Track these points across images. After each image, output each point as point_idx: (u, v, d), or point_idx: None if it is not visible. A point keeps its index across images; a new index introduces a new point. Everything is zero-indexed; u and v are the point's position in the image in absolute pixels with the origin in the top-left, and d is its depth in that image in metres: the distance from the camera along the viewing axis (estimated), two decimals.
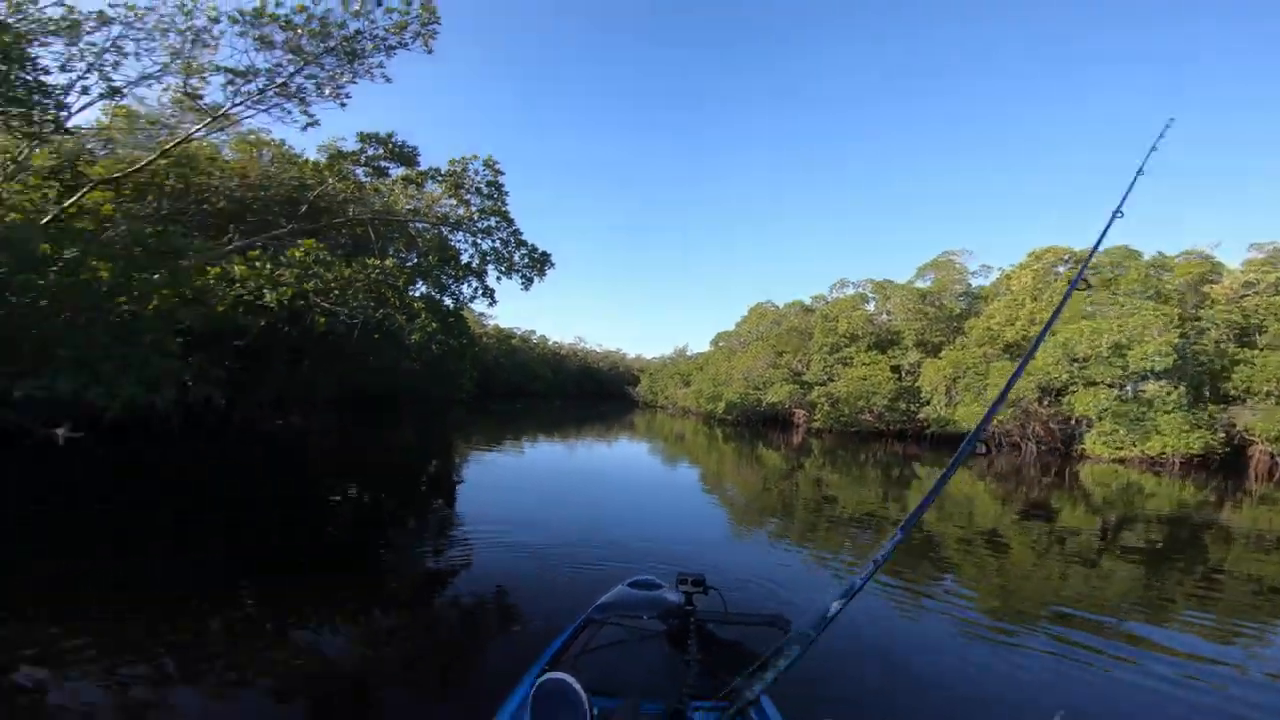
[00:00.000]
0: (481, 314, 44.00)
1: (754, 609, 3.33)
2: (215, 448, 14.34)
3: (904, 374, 38.35)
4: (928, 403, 34.48)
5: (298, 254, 14.72)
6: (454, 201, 19.98)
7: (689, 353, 72.41)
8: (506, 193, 20.30)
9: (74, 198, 13.10)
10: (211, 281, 13.31)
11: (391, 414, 28.58)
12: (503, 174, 20.04)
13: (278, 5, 12.59)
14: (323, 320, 15.50)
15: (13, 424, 9.81)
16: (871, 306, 43.58)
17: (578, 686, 2.22)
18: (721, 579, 2.73)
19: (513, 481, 13.56)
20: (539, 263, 21.68)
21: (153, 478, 11.16)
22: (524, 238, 21.32)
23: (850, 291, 45.86)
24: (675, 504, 12.67)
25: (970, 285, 40.54)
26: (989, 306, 35.38)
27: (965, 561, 8.92)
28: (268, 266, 14.21)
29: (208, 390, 11.96)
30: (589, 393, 76.91)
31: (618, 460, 20.06)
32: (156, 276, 10.78)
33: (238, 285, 13.85)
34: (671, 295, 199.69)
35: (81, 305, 9.94)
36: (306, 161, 18.61)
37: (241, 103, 13.75)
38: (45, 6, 10.98)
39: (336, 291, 15.27)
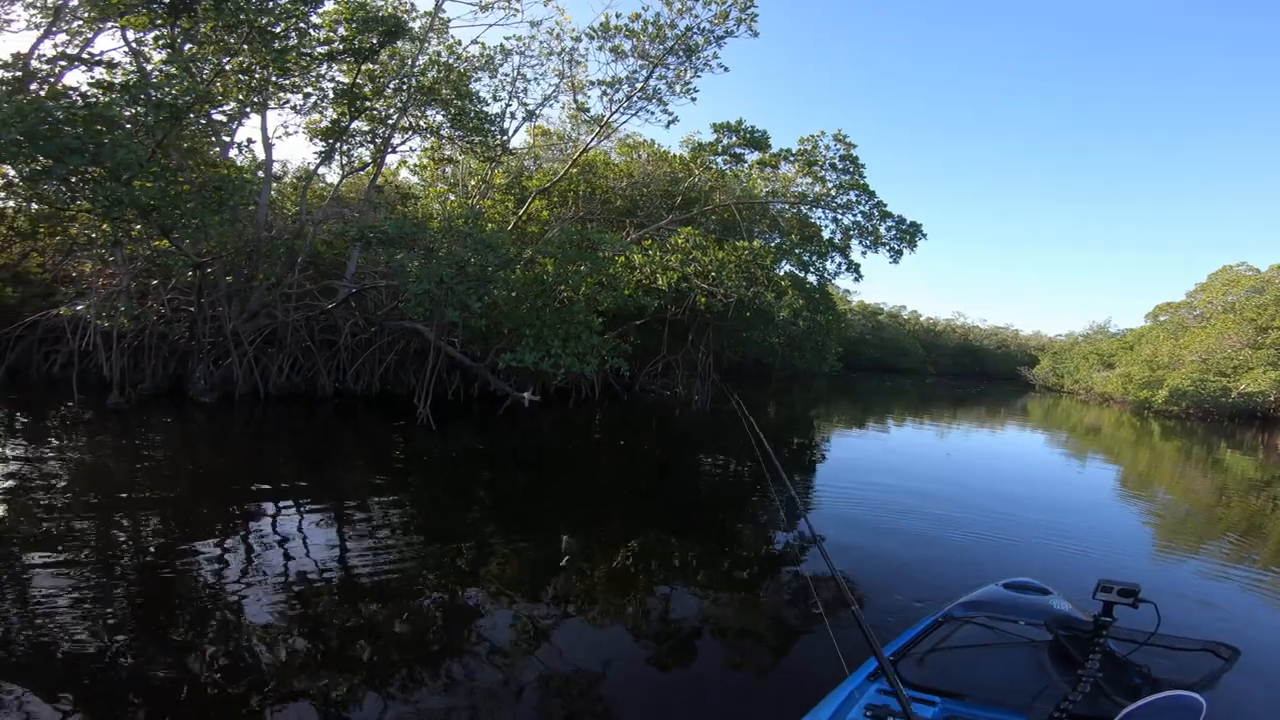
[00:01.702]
0: (846, 291, 42.73)
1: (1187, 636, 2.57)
2: (619, 410, 17.23)
3: None
4: None
5: (680, 241, 16.52)
6: (809, 180, 19.92)
7: (1112, 329, 58.10)
8: (863, 165, 19.56)
9: (523, 208, 17.18)
10: (619, 269, 15.92)
11: (760, 385, 30.12)
12: (855, 147, 19.43)
13: (617, 17, 14.54)
14: (703, 300, 17.10)
15: (500, 389, 13.46)
16: None
17: None
18: (1152, 596, 2.19)
19: (872, 466, 12.83)
20: (908, 234, 20.11)
21: (580, 433, 13.98)
22: (889, 209, 20.03)
23: None
24: (1082, 506, 10.25)
25: None
26: None
27: None
28: (657, 254, 16.31)
29: (618, 362, 14.38)
30: (969, 372, 68.11)
31: (1000, 450, 17.22)
32: (583, 267, 13.34)
33: (636, 271, 16.26)
34: (1087, 261, 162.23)
35: (536, 293, 12.96)
36: (675, 157, 20.68)
37: (616, 110, 16.22)
38: (467, 46, 14.66)
39: (713, 273, 16.67)
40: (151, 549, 5.00)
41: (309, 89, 12.37)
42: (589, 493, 8.42)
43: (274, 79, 11.07)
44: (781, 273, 22.74)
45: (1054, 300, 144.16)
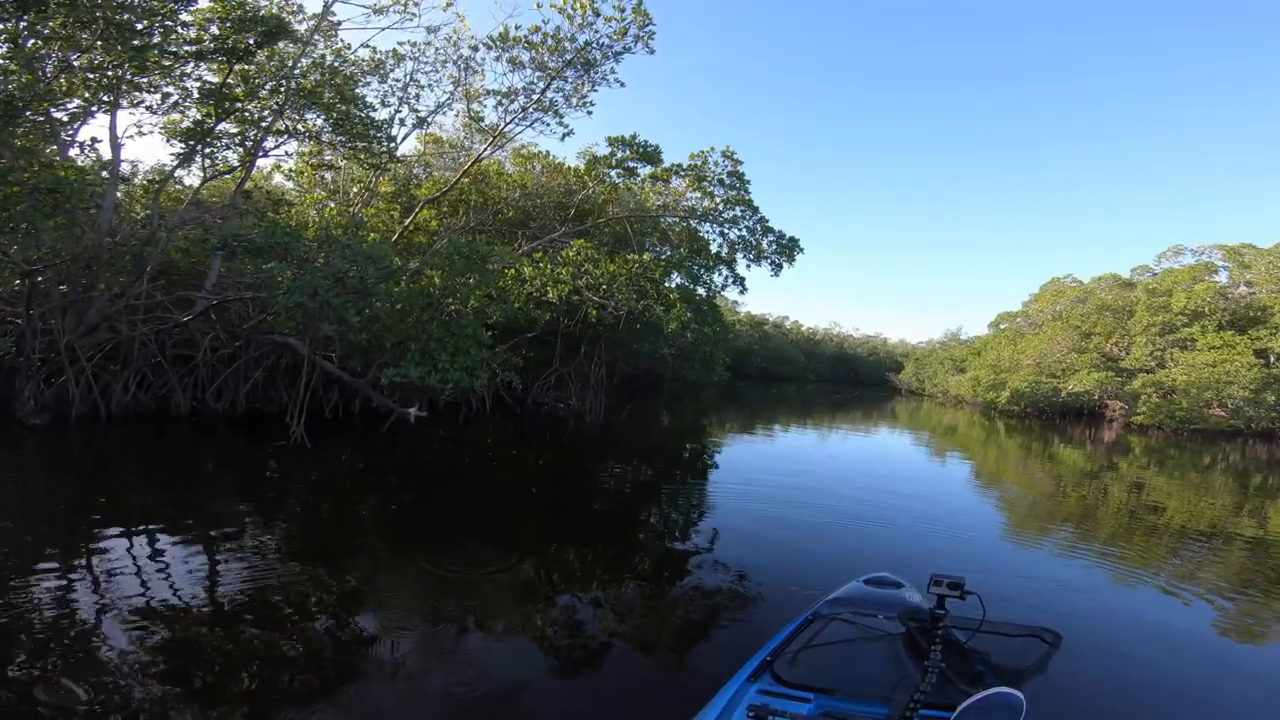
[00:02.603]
0: (734, 302, 44.88)
1: (1016, 621, 2.95)
2: (512, 424, 17.05)
3: (1274, 359, 29.27)
4: None
5: (571, 253, 16.67)
6: (699, 194, 20.83)
7: (963, 335, 64.66)
8: (748, 181, 20.67)
9: (410, 217, 16.67)
10: (509, 282, 15.77)
11: (652, 395, 30.84)
12: (742, 163, 20.47)
13: (517, 28, 14.65)
14: (594, 312, 17.32)
15: (383, 405, 12.92)
16: (1223, 277, 34.02)
17: None
18: (981, 585, 2.47)
19: (761, 468, 13.61)
20: (787, 249, 21.55)
21: (471, 448, 13.72)
22: (770, 224, 21.36)
23: (1189, 260, 36.37)
24: (937, 500, 11.44)
25: None
26: None
27: None
28: (549, 267, 16.36)
29: (509, 375, 14.25)
30: (844, 379, 73.29)
31: (873, 451, 18.80)
32: (472, 280, 13.11)
33: (528, 284, 16.20)
34: (942, 275, 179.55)
35: (422, 306, 12.59)
36: (569, 169, 20.91)
37: (511, 120, 16.32)
38: (356, 49, 14.18)
39: (604, 286, 16.93)
40: None
41: (170, 88, 11.31)
42: (483, 508, 8.34)
43: (129, 77, 10.09)
44: (672, 285, 23.47)
45: (918, 308, 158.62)
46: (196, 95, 11.56)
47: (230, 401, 12.45)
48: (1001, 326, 50.87)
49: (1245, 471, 18.10)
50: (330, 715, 3.36)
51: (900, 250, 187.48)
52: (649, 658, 4.39)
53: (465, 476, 10.70)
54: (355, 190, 17.27)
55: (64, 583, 4.63)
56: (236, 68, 11.52)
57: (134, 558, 5.24)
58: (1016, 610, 5.15)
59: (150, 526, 6.05)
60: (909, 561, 6.67)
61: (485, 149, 17.62)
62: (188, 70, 11.25)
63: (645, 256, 18.81)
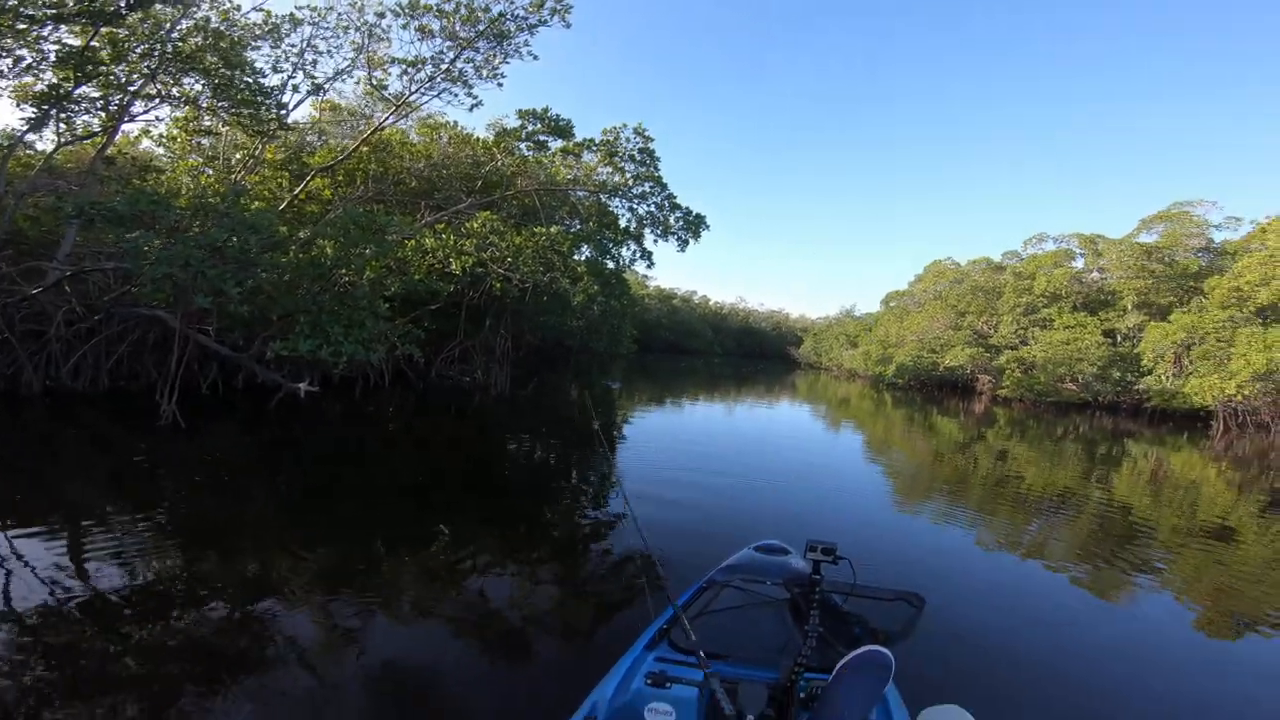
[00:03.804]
0: (644, 276, 45.28)
1: (887, 584, 3.14)
2: (415, 398, 16.55)
3: (1120, 339, 33.14)
4: (1149, 372, 29.59)
5: (476, 225, 16.23)
6: (610, 169, 20.82)
7: (857, 313, 68.62)
8: (658, 158, 20.95)
9: (301, 186, 15.58)
10: (409, 253, 15.14)
11: (560, 368, 30.75)
12: (653, 140, 20.76)
13: None
14: (499, 285, 16.96)
15: (270, 380, 12.16)
16: (1079, 264, 37.90)
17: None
18: (859, 550, 2.57)
19: (668, 440, 14.03)
20: (694, 225, 22.06)
21: (370, 424, 13.22)
22: (678, 201, 21.69)
23: (1050, 247, 40.23)
24: (829, 470, 12.31)
25: (1211, 240, 33.64)
26: (1237, 263, 29.01)
27: (1176, 556, 7.73)
28: (452, 238, 15.84)
29: (410, 348, 13.79)
30: (750, 352, 76.11)
31: (775, 423, 19.82)
32: (368, 251, 12.49)
33: (429, 256, 15.61)
34: (839, 254, 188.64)
35: (313, 278, 11.87)
36: (478, 140, 20.28)
37: (417, 90, 15.57)
38: (247, 13, 13.00)
39: (510, 258, 16.60)
40: None
41: (23, 51, 9.83)
42: (385, 486, 8.09)
43: None
44: (581, 259, 23.37)
45: (820, 286, 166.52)
46: (53, 59, 10.14)
47: (90, 379, 11.29)
48: (891, 305, 54.36)
49: (1093, 441, 20.50)
50: (230, 705, 3.27)
51: (805, 232, 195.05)
52: (556, 632, 4.49)
53: (364, 453, 10.35)
54: (238, 157, 15.89)
55: None
56: (103, 30, 10.21)
57: None
58: (889, 573, 5.66)
59: (7, 520, 5.49)
60: (798, 528, 7.14)
61: (387, 118, 16.69)
62: (44, 34, 9.85)
63: (553, 229, 18.60)
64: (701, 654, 2.74)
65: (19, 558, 4.83)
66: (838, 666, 2.12)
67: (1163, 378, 28.72)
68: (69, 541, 5.27)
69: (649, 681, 2.36)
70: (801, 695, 2.27)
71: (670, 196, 21.74)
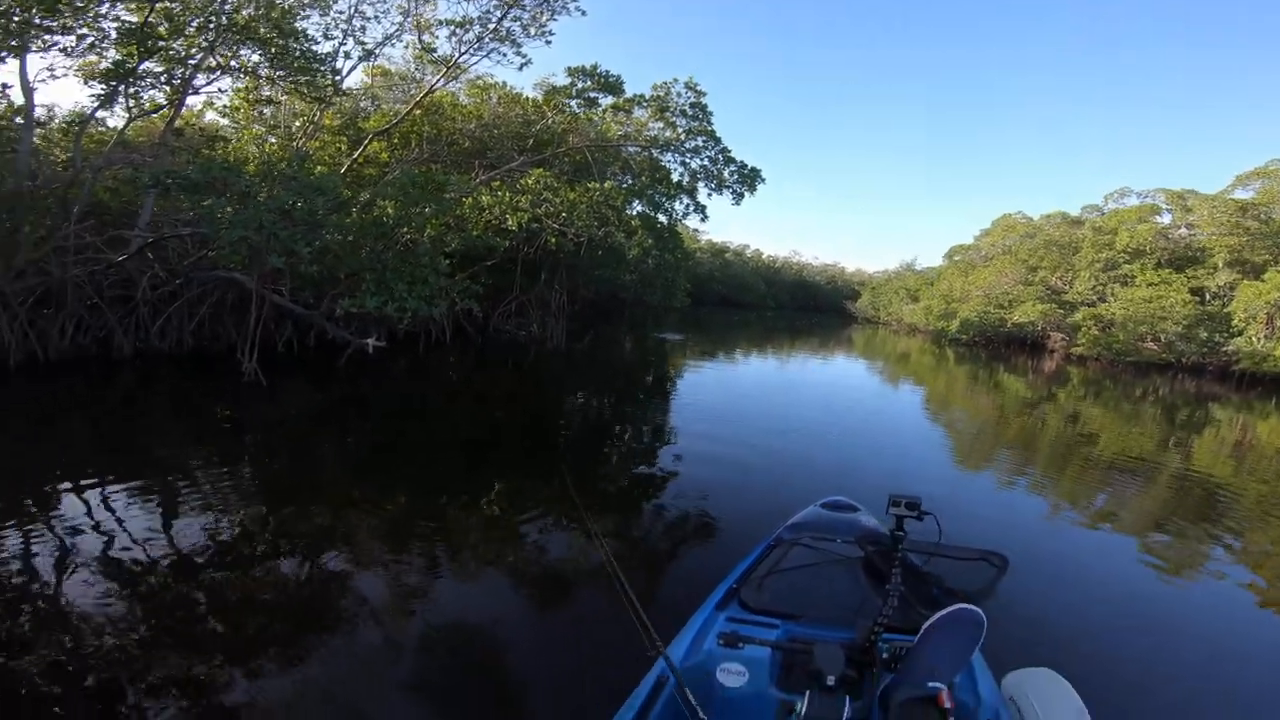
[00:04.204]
0: (696, 230, 44.57)
1: (967, 544, 2.96)
2: (474, 352, 16.94)
3: (1208, 298, 30.83)
4: (1239, 333, 27.47)
5: (529, 182, 16.17)
6: (661, 125, 20.37)
7: (918, 266, 65.85)
8: (711, 113, 20.39)
9: (358, 150, 15.79)
10: (467, 210, 15.26)
11: (615, 321, 30.86)
12: (705, 95, 20.16)
13: None
14: (554, 240, 16.98)
15: (340, 337, 12.62)
16: (1166, 219, 35.18)
17: None
18: (932, 506, 2.45)
19: (723, 394, 13.94)
20: (749, 178, 21.57)
21: (433, 378, 13.62)
22: (732, 155, 21.25)
23: (1134, 202, 37.37)
24: (890, 427, 12.03)
25: None
26: None
27: (1261, 526, 7.27)
28: (507, 195, 15.86)
29: (469, 303, 14.09)
30: (804, 306, 74.43)
31: (831, 377, 19.44)
32: (427, 209, 12.63)
33: (485, 212, 15.71)
34: (900, 207, 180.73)
35: (376, 236, 12.12)
36: (528, 99, 20.12)
37: (465, 51, 15.40)
38: None
39: (564, 214, 16.54)
40: None
41: (85, 30, 10.09)
42: (447, 440, 8.35)
43: (37, 21, 9.00)
44: (634, 213, 23.09)
45: (874, 239, 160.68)
46: (114, 36, 10.38)
47: (176, 340, 11.95)
48: (955, 259, 51.92)
49: (1174, 405, 19.34)
50: (303, 657, 3.42)
51: (855, 186, 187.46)
52: (618, 590, 4.49)
53: (428, 407, 10.70)
54: (298, 124, 16.16)
55: (22, 541, 4.53)
56: (159, 5, 10.38)
57: (91, 511, 5.14)
58: (959, 532, 5.53)
59: (104, 476, 5.89)
60: (862, 486, 6.95)
61: (438, 80, 16.62)
62: (103, 11, 10.05)
63: (606, 185, 18.36)
64: (774, 614, 2.71)
65: (113, 513, 5.19)
66: (925, 626, 2.07)
67: (1254, 339, 26.64)
68: (162, 496, 5.63)
69: (721, 642, 2.33)
70: (884, 656, 2.22)
71: (725, 150, 21.16)
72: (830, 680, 1.99)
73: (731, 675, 2.36)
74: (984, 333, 38.09)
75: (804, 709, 1.93)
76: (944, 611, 2.05)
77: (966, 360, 29.68)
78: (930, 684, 2.01)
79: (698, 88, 19.93)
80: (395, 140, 17.45)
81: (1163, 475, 9.52)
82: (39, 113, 11.43)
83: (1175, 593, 5.31)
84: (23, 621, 3.60)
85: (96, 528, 4.86)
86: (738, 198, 21.97)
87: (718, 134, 20.65)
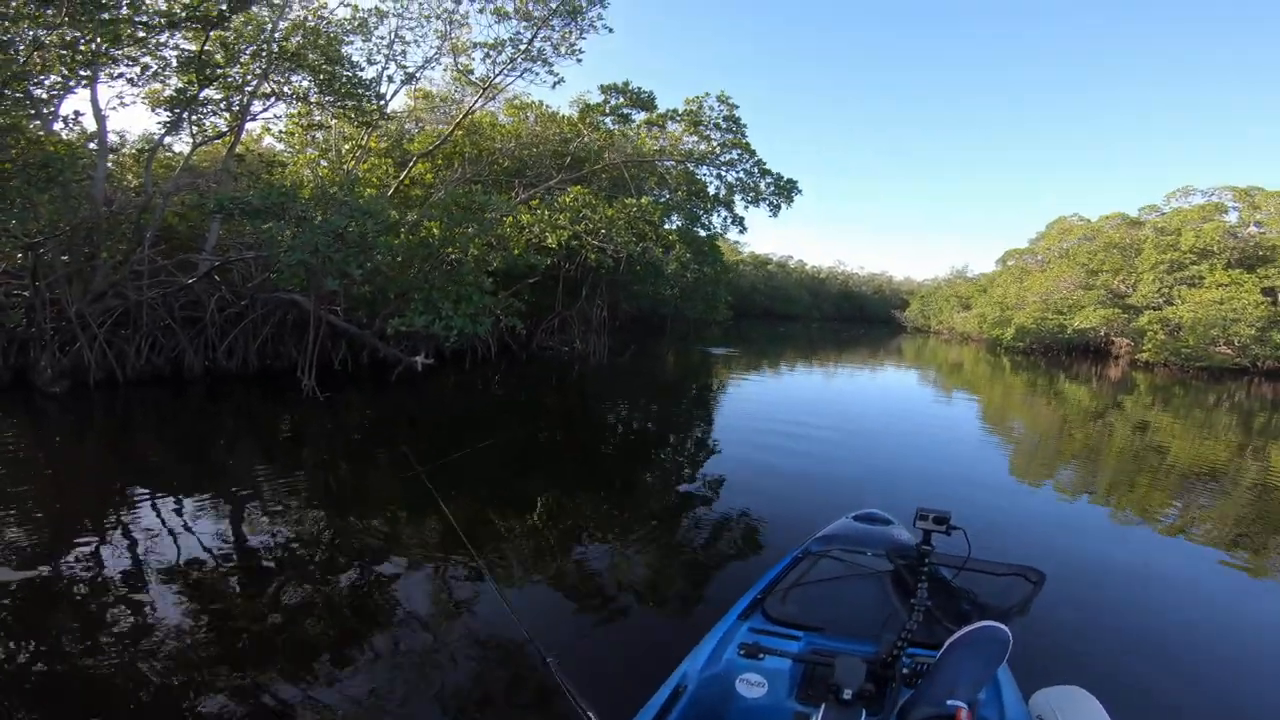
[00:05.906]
0: (737, 243, 44.51)
1: (1001, 558, 2.88)
2: (518, 369, 17.33)
3: None
4: None
5: (568, 200, 16.57)
6: (695, 139, 20.59)
7: (969, 273, 63.90)
8: (745, 125, 20.60)
9: (404, 172, 16.52)
10: (508, 230, 15.74)
11: (656, 336, 31.00)
12: (737, 108, 20.37)
13: None
14: (594, 256, 17.31)
15: (391, 356, 13.17)
16: (1232, 218, 33.39)
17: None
18: (970, 522, 2.40)
19: (766, 407, 13.86)
20: (785, 190, 21.62)
21: (479, 394, 14.01)
22: (768, 167, 21.22)
23: (1198, 200, 35.59)
24: (937, 439, 11.69)
25: None
26: None
27: None
28: (546, 213, 16.28)
29: (513, 320, 14.49)
30: (850, 317, 73.07)
31: (877, 388, 19.05)
32: (470, 229, 13.11)
33: (526, 231, 16.16)
34: (947, 214, 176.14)
35: (423, 257, 12.65)
36: (564, 118, 20.63)
37: (500, 72, 16.01)
38: (334, 9, 13.78)
39: (603, 230, 16.87)
40: (16, 556, 4.69)
41: (147, 59, 11.00)
42: (494, 454, 8.60)
43: (103, 51, 9.87)
44: (671, 228, 23.31)
45: (922, 247, 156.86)
46: (175, 64, 11.29)
47: (242, 360, 12.69)
48: (1008, 264, 50.19)
49: (1251, 411, 18.16)
50: (360, 665, 3.59)
51: (911, 190, 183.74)
52: (650, 600, 4.60)
53: (475, 422, 11.01)
54: (347, 148, 17.04)
55: (98, 548, 4.90)
56: (213, 34, 11.21)
57: (163, 520, 5.53)
58: (1002, 547, 5.38)
59: (176, 487, 6.34)
60: (902, 498, 6.81)
61: (476, 101, 17.33)
62: (163, 40, 10.93)
63: (643, 200, 18.65)
64: (796, 626, 2.70)
65: (188, 518, 5.59)
66: (948, 642, 2.04)
67: None
68: (229, 506, 6.00)
69: (742, 652, 2.32)
70: (905, 671, 2.16)
71: (760, 163, 21.26)
72: (847, 694, 1.95)
73: (750, 686, 2.37)
74: (1041, 340, 36.61)
75: None
76: (967, 628, 2.02)
77: (1024, 368, 28.58)
78: (949, 702, 1.96)
79: (730, 101, 20.18)
80: (439, 161, 18.17)
81: (1237, 487, 8.99)
82: (111, 139, 12.35)
83: (1238, 615, 4.99)
84: (96, 619, 3.93)
85: (169, 534, 5.24)
86: (774, 209, 22.00)
87: (752, 147, 20.81)
